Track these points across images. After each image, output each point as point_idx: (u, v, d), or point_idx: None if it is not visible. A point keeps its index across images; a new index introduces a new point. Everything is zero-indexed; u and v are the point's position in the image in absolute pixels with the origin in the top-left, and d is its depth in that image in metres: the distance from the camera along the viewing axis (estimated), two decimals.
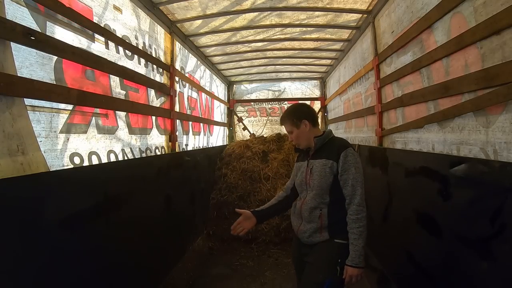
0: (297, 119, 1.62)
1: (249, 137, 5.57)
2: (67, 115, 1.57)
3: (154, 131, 2.61)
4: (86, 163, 1.70)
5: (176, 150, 2.97)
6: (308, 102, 5.50)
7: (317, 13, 2.93)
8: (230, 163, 4.29)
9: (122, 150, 2.09)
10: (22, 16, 1.29)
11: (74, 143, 1.62)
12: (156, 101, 2.64)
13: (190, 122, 3.65)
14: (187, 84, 3.54)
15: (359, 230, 1.42)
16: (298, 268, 1.70)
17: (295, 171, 1.77)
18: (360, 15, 2.93)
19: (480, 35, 1.32)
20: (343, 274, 1.43)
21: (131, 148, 2.21)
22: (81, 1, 1.71)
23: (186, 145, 3.48)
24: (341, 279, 1.43)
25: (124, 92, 2.14)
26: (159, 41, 2.76)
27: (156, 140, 2.65)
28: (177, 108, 3.07)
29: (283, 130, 5.57)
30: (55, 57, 1.47)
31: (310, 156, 1.63)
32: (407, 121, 2.23)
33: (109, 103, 1.91)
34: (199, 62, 3.99)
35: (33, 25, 1.34)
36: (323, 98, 5.72)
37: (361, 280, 1.44)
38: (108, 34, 1.93)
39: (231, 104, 5.88)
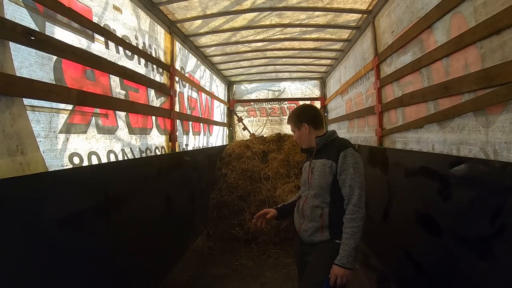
0: (299, 121, 1.67)
1: (249, 137, 5.57)
2: (67, 115, 1.57)
3: (154, 131, 2.61)
4: (85, 163, 1.70)
5: (176, 150, 2.97)
6: (308, 102, 5.51)
7: (317, 13, 2.93)
8: (230, 163, 4.29)
9: (122, 150, 2.09)
10: (21, 16, 1.29)
11: (73, 143, 1.62)
12: (156, 101, 2.64)
13: (190, 122, 3.65)
14: (187, 84, 3.54)
15: (352, 231, 1.41)
16: (300, 266, 1.71)
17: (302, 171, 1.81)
18: (360, 15, 2.92)
19: (480, 35, 1.32)
20: None
21: (131, 148, 2.21)
22: (80, 1, 1.71)
23: (186, 145, 3.48)
24: None
25: (124, 92, 2.14)
26: (159, 41, 2.76)
27: (156, 140, 2.65)
28: (177, 108, 3.07)
29: (283, 130, 5.62)
30: (54, 57, 1.47)
31: (313, 156, 1.65)
32: (407, 121, 2.23)
33: (109, 103, 1.91)
34: (199, 62, 3.99)
35: (32, 26, 1.34)
36: (323, 98, 5.72)
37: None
38: (108, 34, 1.93)
39: (231, 104, 5.88)
